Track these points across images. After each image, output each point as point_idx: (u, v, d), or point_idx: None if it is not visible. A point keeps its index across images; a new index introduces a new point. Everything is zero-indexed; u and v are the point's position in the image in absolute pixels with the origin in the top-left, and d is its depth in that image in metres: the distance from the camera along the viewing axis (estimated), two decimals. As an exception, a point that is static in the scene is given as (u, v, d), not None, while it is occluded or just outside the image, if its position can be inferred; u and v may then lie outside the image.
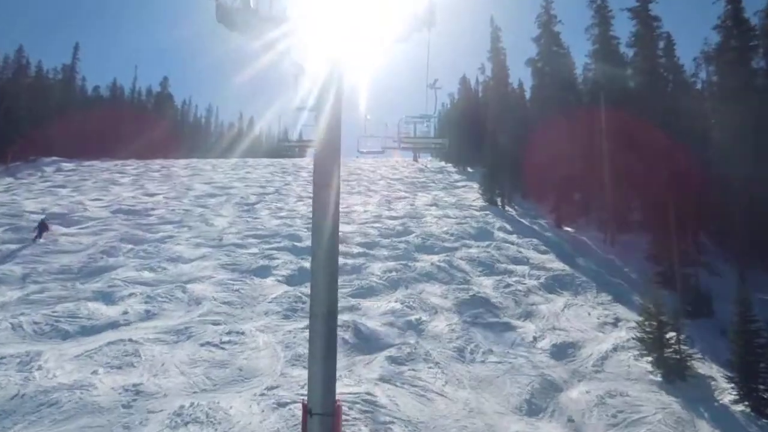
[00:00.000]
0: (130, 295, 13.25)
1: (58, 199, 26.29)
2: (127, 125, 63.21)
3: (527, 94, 47.61)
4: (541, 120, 30.24)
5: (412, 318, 12.92)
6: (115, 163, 46.16)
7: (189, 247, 18.17)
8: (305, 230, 21.34)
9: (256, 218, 23.37)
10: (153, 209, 24.16)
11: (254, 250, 18.12)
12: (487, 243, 20.93)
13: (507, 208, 31.31)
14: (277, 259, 17.16)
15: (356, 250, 18.73)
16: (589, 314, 14.46)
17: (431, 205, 29.54)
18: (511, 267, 18.43)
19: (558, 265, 19.04)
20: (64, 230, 20.04)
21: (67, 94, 56.67)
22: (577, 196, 28.22)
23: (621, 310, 15.11)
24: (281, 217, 23.65)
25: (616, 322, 14.00)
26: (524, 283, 16.66)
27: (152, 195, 28.63)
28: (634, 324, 13.66)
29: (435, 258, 18.48)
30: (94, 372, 9.02)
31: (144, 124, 66.48)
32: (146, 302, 12.78)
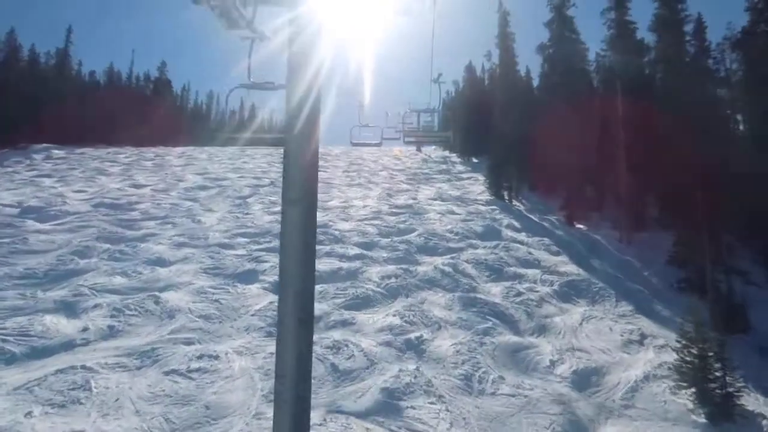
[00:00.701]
0: (96, 306, 11.73)
1: (38, 190, 24.77)
2: (125, 111, 61.72)
3: (535, 82, 45.93)
4: (550, 109, 28.57)
5: (413, 336, 11.39)
6: (108, 150, 44.71)
7: (170, 247, 16.63)
8: (299, 228, 19.82)
9: (247, 214, 21.82)
10: (138, 203, 22.62)
11: (241, 251, 16.59)
12: (494, 243, 19.36)
13: (514, 202, 29.75)
14: (266, 262, 15.63)
15: (353, 251, 17.18)
16: (611, 329, 12.90)
17: (435, 200, 27.97)
18: (522, 271, 16.89)
19: (572, 269, 17.49)
20: (39, 226, 18.56)
21: (61, 79, 54.91)
22: (590, 191, 26.55)
23: (645, 324, 13.56)
24: (274, 213, 22.09)
25: (641, 340, 12.44)
26: (536, 291, 15.12)
27: (140, 186, 27.10)
28: (662, 342, 12.18)
29: (439, 260, 16.95)
30: (29, 413, 7.53)
31: (142, 111, 64.94)
32: (112, 316, 11.26)
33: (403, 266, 15.93)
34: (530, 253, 18.71)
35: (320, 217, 21.49)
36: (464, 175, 39.42)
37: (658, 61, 23.48)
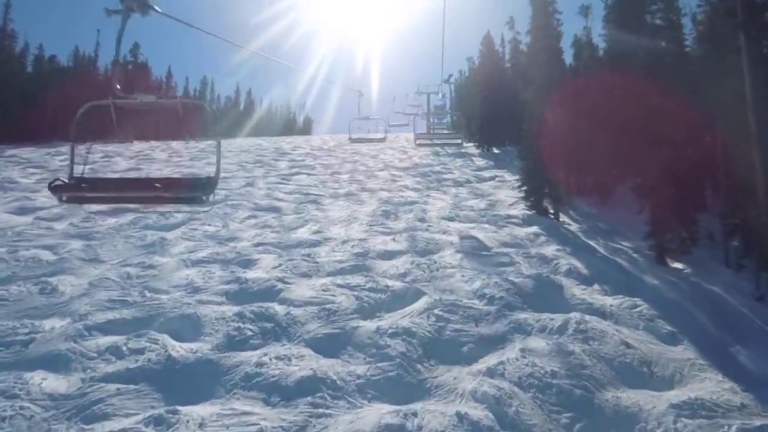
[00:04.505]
0: None
1: None
2: (92, 101, 53.95)
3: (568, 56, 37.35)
4: (611, 87, 20.07)
5: None
6: (50, 151, 36.73)
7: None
8: (223, 300, 11.57)
9: (150, 267, 13.53)
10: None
11: (73, 378, 8.37)
12: (558, 320, 10.92)
13: (562, 218, 21.31)
14: (106, 419, 7.43)
15: (300, 368, 8.75)
16: None
17: (451, 219, 19.66)
18: (627, 398, 8.54)
19: (716, 386, 9.06)
20: None
21: (6, 65, 47.08)
22: (683, 210, 17.82)
23: None
24: (199, 263, 13.85)
25: None
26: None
27: (26, 212, 18.96)
28: None
29: (466, 383, 8.67)
30: None
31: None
32: None
33: (395, 415, 7.62)
34: (626, 343, 10.27)
35: (268, 271, 13.35)
36: (486, 174, 30.98)
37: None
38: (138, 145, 44.55)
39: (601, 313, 11.72)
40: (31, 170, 28.44)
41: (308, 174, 29.18)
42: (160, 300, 11.20)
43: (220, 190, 23.02)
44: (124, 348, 9.10)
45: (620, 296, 12.77)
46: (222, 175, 26.41)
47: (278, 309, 10.85)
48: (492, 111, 41.40)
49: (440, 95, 26.00)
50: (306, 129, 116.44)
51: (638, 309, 11.97)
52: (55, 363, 8.72)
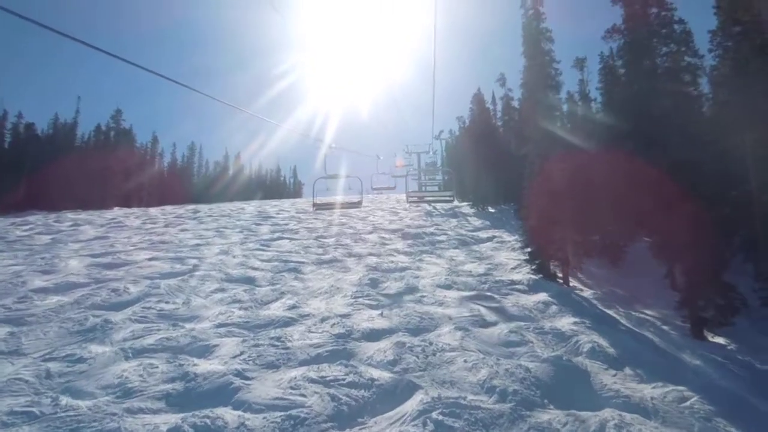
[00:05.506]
0: None
1: None
2: (75, 169, 52.26)
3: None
4: (623, 136, 18.28)
5: None
6: (14, 221, 34.36)
7: None
8: (160, 406, 8.99)
9: (81, 359, 10.86)
10: None
11: None
12: (592, 423, 8.36)
13: (572, 283, 19.02)
14: None
15: None
16: None
17: (447, 287, 17.30)
18: None
19: None
20: None
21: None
22: (716, 273, 15.50)
23: None
24: (143, 352, 11.26)
25: None
26: None
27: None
28: None
29: None
30: None
31: (99, 167, 55.67)
32: None
33: None
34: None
35: (225, 362, 10.82)
36: (483, 235, 28.77)
37: None
38: (118, 212, 42.21)
39: (643, 410, 9.22)
40: (-15, 241, 26.04)
41: (290, 239, 26.90)
42: (78, 409, 8.60)
43: (192, 257, 20.65)
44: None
45: (660, 384, 10.33)
46: (195, 242, 23.82)
47: (229, 418, 8.28)
48: (485, 169, 39.90)
49: (431, 152, 23.68)
50: (297, 192, 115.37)
51: (688, 403, 9.50)
52: None
